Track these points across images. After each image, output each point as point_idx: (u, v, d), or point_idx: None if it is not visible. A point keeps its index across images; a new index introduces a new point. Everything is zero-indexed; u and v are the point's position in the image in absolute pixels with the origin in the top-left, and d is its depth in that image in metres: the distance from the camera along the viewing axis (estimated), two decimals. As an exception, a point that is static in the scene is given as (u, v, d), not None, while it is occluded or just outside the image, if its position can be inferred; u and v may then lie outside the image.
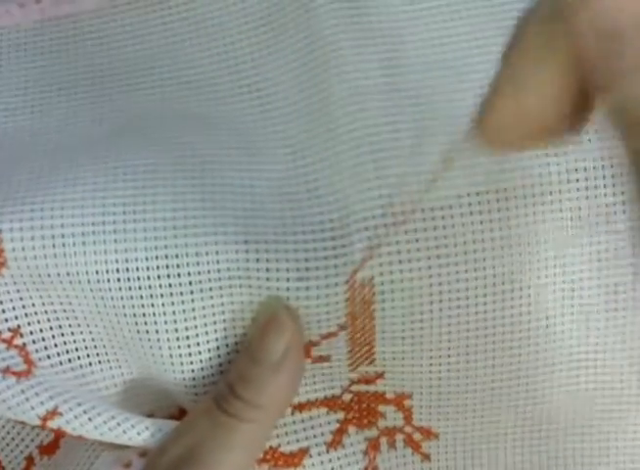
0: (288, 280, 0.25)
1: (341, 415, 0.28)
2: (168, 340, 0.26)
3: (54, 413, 0.25)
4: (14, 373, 0.25)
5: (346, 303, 0.26)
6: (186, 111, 0.30)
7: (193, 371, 0.26)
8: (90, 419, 0.25)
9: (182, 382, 0.27)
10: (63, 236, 0.25)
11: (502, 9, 0.29)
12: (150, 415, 0.28)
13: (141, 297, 0.25)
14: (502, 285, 0.26)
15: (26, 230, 0.25)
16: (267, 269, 0.25)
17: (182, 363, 0.26)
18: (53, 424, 0.25)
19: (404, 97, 0.28)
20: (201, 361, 0.26)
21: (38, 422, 0.25)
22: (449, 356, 0.27)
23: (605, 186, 0.26)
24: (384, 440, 0.28)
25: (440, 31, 0.29)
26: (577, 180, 0.26)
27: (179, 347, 0.26)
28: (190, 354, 0.26)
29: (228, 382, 0.25)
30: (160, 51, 0.32)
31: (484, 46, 0.29)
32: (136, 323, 0.26)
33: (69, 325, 0.27)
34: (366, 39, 0.29)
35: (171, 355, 0.26)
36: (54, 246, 0.25)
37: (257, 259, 0.25)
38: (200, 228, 0.25)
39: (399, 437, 0.28)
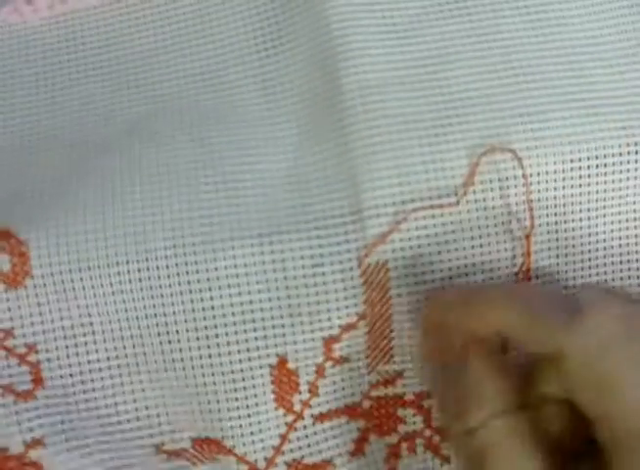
0: (303, 267, 0.26)
1: (361, 423, 0.28)
2: (189, 340, 0.26)
3: (39, 443, 0.25)
4: (14, 392, 0.25)
5: (363, 288, 0.26)
6: (195, 103, 0.31)
7: (211, 366, 0.26)
8: (71, 459, 0.25)
9: (202, 382, 0.26)
10: (86, 241, 0.26)
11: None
12: (160, 445, 0.28)
13: (162, 295, 0.26)
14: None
15: (52, 237, 0.26)
16: (283, 260, 0.26)
17: (201, 356, 0.26)
18: (34, 454, 0.25)
19: (418, 88, 0.29)
20: (219, 355, 0.26)
21: (21, 449, 0.25)
22: None
23: None
24: (404, 445, 0.28)
25: (458, 25, 0.30)
26: None
27: (199, 347, 0.26)
28: (210, 356, 0.26)
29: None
30: (165, 44, 0.32)
31: (487, 42, 0.30)
32: (157, 324, 0.26)
33: (86, 343, 0.26)
34: (379, 34, 0.30)
35: (192, 358, 0.26)
36: (78, 251, 0.26)
37: (272, 251, 0.26)
38: (215, 225, 0.26)
39: (419, 441, 0.28)
